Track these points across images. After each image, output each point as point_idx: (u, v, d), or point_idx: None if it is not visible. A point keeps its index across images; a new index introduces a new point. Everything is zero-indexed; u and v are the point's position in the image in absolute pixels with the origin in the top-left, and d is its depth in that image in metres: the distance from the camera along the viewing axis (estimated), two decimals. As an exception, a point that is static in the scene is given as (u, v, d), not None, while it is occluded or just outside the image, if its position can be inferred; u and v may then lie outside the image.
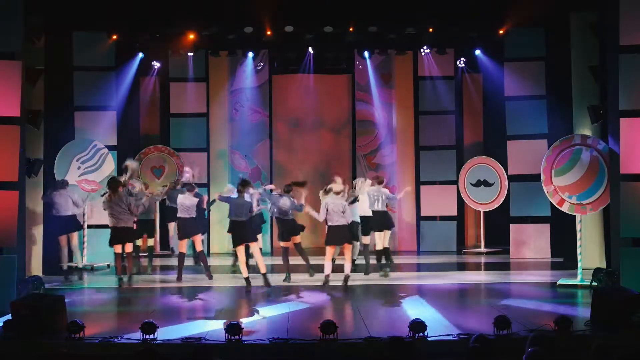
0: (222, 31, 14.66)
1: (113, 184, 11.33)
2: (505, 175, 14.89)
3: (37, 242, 12.26)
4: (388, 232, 11.73)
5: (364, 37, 14.81)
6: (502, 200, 15.06)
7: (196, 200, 11.70)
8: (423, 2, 13.73)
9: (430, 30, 14.65)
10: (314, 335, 7.52)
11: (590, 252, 12.17)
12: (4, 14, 9.80)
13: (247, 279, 10.68)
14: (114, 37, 14.27)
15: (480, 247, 15.46)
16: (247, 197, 10.95)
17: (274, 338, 7.49)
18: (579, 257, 11.16)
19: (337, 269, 11.32)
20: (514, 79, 14.58)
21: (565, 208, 11.13)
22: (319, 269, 11.28)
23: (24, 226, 10.78)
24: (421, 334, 7.46)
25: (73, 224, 12.19)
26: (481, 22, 14.18)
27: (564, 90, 12.98)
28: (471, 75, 16.54)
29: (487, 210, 15.40)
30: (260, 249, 11.45)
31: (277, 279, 11.37)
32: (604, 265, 11.68)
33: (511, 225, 14.66)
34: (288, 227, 11.54)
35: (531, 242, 14.48)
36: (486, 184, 15.23)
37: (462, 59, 16.22)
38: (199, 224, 11.98)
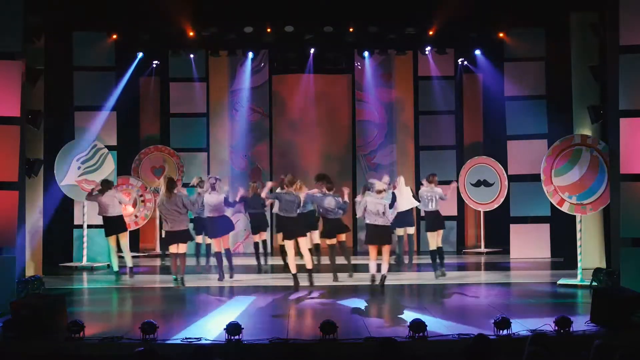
0: (222, 31, 14.66)
1: (169, 184, 10.97)
2: (505, 175, 14.89)
3: (37, 242, 12.24)
4: (441, 232, 11.68)
5: (364, 37, 14.81)
6: (502, 200, 15.05)
7: (222, 196, 11.57)
8: (423, 2, 13.72)
9: (431, 33, 14.69)
10: (314, 335, 7.53)
11: (590, 252, 12.17)
12: (4, 14, 9.79)
13: (295, 276, 10.66)
14: (114, 37, 14.27)
15: (480, 247, 15.46)
16: (295, 193, 10.93)
17: (274, 338, 7.49)
18: (579, 257, 11.16)
19: (338, 269, 11.36)
20: (514, 79, 14.57)
21: (565, 208, 11.13)
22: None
23: (24, 226, 10.77)
24: (421, 334, 7.46)
25: (121, 224, 12.06)
26: (481, 22, 14.18)
27: (564, 90, 12.98)
28: (471, 75, 16.55)
29: (487, 210, 15.40)
30: (311, 249, 11.60)
31: (279, 278, 11.39)
32: (604, 265, 11.68)
33: (511, 225, 14.66)
34: (334, 225, 11.44)
35: (531, 242, 14.47)
36: (486, 184, 15.23)
37: (462, 59, 16.24)
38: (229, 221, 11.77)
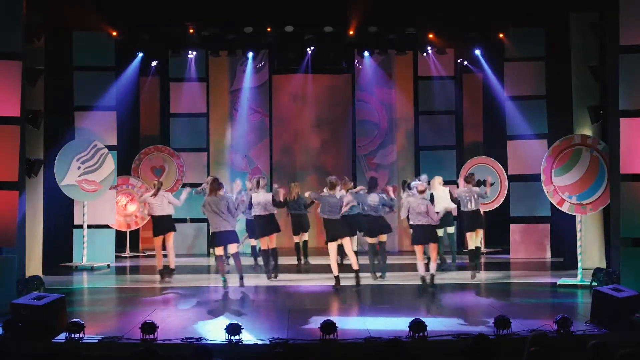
0: (222, 31, 14.66)
1: (214, 185, 10.68)
2: (505, 175, 14.88)
3: (37, 242, 12.24)
4: (480, 232, 11.69)
5: (364, 37, 14.81)
6: (502, 200, 15.05)
7: (270, 195, 11.56)
8: (423, 2, 13.72)
9: (431, 35, 14.71)
10: (314, 335, 7.53)
11: (590, 252, 12.18)
12: (4, 14, 9.79)
13: (337, 277, 10.66)
14: (114, 35, 14.25)
15: (480, 247, 15.42)
16: (338, 195, 10.93)
17: (274, 338, 7.49)
18: (579, 257, 11.16)
19: (345, 269, 11.36)
20: (514, 79, 14.57)
21: (565, 208, 11.12)
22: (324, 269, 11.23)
23: (24, 226, 10.77)
24: (421, 334, 7.46)
25: (169, 224, 11.83)
26: (481, 22, 14.18)
27: (564, 90, 12.97)
28: (471, 75, 16.56)
29: (487, 210, 15.38)
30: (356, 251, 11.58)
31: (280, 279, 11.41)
32: (604, 265, 11.67)
33: (511, 225, 14.66)
34: (377, 224, 11.46)
35: (531, 242, 14.48)
36: (486, 184, 15.19)
37: (462, 59, 16.24)
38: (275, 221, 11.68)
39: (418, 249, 10.69)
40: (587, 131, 12.03)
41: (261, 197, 11.43)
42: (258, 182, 11.62)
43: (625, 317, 8.02)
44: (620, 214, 9.86)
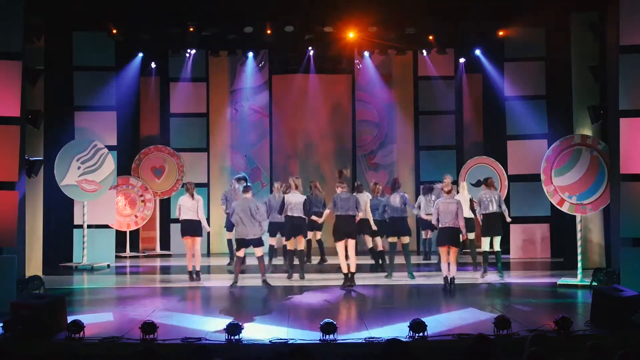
0: (222, 31, 14.66)
1: (245, 187, 10.83)
2: (505, 175, 14.88)
3: (37, 242, 12.25)
4: (497, 238, 11.68)
5: (364, 37, 14.80)
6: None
7: (304, 197, 11.65)
8: (423, 2, 13.70)
9: (431, 36, 14.69)
10: (314, 336, 7.53)
11: (590, 252, 12.18)
12: (4, 14, 9.80)
13: (346, 275, 10.76)
14: (114, 33, 14.22)
15: (480, 247, 15.39)
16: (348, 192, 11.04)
17: (274, 338, 7.49)
18: (579, 257, 11.15)
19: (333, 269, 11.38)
20: (514, 79, 14.56)
21: (565, 208, 11.12)
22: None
23: (24, 226, 10.77)
24: (421, 334, 7.46)
25: (198, 228, 11.73)
26: (481, 22, 14.17)
27: (564, 90, 12.98)
28: (471, 75, 16.55)
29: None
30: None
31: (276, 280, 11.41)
32: (604, 265, 11.68)
33: (511, 225, 14.64)
34: (400, 225, 11.60)
35: (531, 242, 14.47)
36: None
37: (462, 59, 16.24)
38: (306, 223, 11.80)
39: (442, 250, 10.74)
40: (587, 131, 12.04)
41: (295, 198, 11.54)
42: (296, 185, 11.68)
43: (625, 317, 8.02)
44: (620, 214, 9.86)
